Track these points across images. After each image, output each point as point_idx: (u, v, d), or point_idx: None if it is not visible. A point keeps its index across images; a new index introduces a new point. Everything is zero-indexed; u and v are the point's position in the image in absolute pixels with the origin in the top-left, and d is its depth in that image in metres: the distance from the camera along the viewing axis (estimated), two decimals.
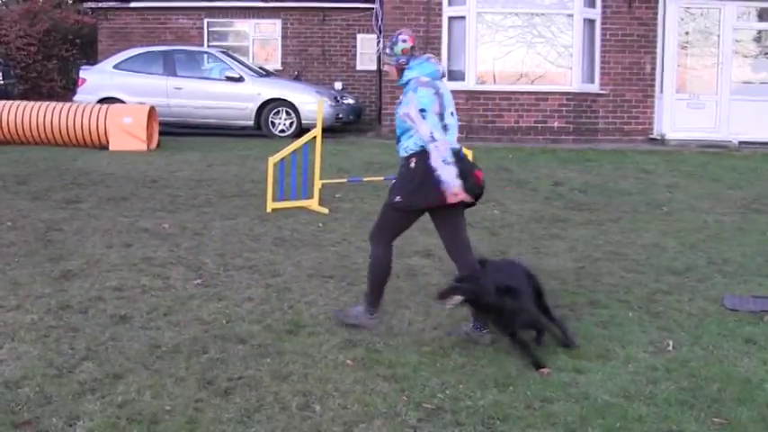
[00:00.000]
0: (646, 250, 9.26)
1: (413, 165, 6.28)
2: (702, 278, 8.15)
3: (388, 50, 6.52)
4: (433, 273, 8.08)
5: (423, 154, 6.20)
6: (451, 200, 6.13)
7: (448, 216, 6.38)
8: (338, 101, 21.15)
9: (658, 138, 19.82)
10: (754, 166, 16.18)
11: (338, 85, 24.06)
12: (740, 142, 19.29)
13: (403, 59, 6.44)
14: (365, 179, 12.52)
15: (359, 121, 22.36)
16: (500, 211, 11.11)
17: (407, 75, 6.42)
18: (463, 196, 6.15)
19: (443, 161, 6.06)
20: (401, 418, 4.92)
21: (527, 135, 19.49)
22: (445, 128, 6.29)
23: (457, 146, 6.36)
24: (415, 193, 6.25)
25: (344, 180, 12.50)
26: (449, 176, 6.05)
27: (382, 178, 12.34)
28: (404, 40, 6.44)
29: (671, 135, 19.66)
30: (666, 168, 15.48)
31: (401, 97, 6.47)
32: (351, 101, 22.14)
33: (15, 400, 5.06)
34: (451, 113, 6.40)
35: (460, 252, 6.47)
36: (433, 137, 6.09)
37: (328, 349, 5.99)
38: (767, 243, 9.80)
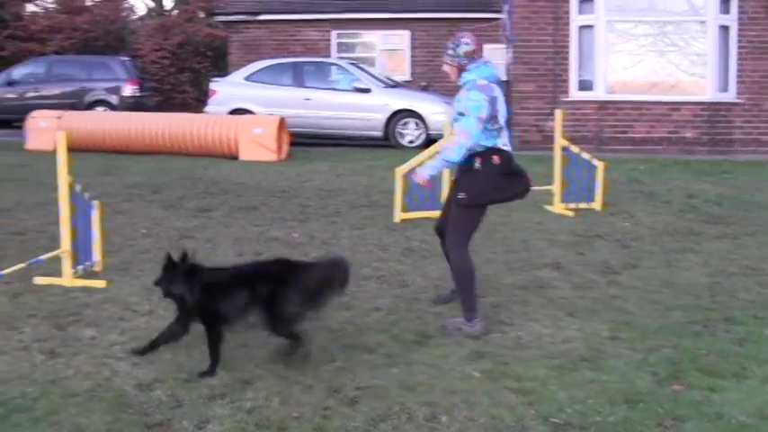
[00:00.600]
0: None
1: (477, 165, 6.62)
2: None
3: (450, 51, 6.78)
4: (562, 285, 7.97)
5: (486, 153, 6.62)
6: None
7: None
8: None
9: None
10: None
11: None
12: None
13: (464, 61, 6.73)
14: None
15: None
16: (631, 224, 10.91)
17: (466, 77, 6.71)
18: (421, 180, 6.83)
19: (441, 166, 6.81)
20: (529, 431, 4.86)
21: (659, 146, 19.13)
22: (499, 130, 6.65)
23: (508, 148, 6.80)
24: (486, 191, 6.71)
25: None
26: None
27: None
28: (467, 44, 6.77)
29: None
30: None
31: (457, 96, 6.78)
32: None
33: (148, 403, 5.19)
34: (504, 116, 6.70)
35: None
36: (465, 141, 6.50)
37: (456, 360, 5.96)
38: None
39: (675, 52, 19.71)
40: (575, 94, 19.56)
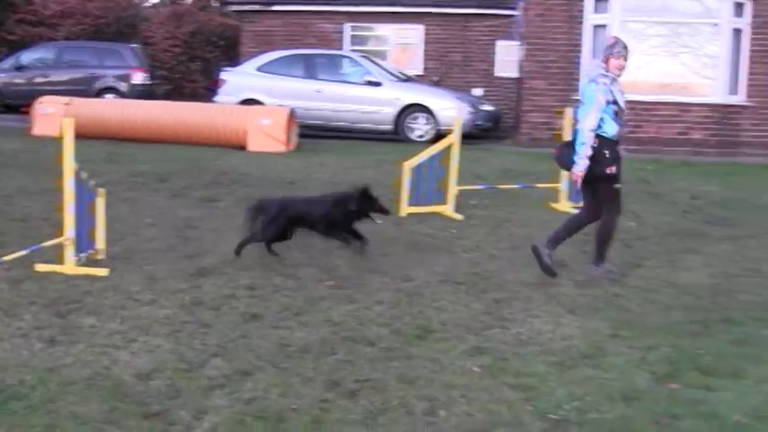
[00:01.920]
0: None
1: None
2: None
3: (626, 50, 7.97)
4: (565, 283, 7.99)
5: None
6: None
7: None
8: (476, 107, 21.14)
9: None
10: None
11: (478, 92, 24.07)
12: None
13: None
14: (500, 186, 12.48)
15: (496, 128, 22.31)
16: (636, 224, 10.93)
17: None
18: None
19: None
20: (526, 427, 4.89)
21: (667, 147, 19.12)
22: None
23: None
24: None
25: (480, 187, 12.47)
26: None
27: (518, 186, 12.30)
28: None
29: None
30: None
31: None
32: (489, 108, 22.10)
33: (146, 392, 5.21)
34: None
35: None
36: None
37: (456, 355, 5.99)
38: None
39: (687, 54, 19.72)
40: None
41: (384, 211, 8.64)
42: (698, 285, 8.16)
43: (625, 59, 7.96)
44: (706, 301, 7.65)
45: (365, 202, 8.48)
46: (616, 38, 8.23)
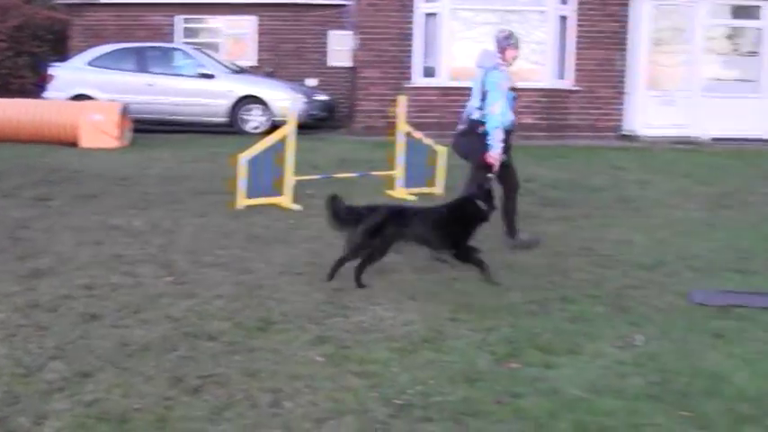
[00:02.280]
0: (615, 246, 9.31)
1: None
2: (671, 273, 8.21)
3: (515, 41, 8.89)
4: (404, 269, 8.07)
5: None
6: None
7: None
8: (311, 98, 21.14)
9: (630, 134, 19.91)
10: (724, 162, 16.28)
11: (312, 82, 24.07)
12: (711, 139, 19.40)
13: None
14: (336, 175, 12.51)
15: (331, 117, 22.35)
16: None
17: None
18: None
19: None
20: (371, 413, 4.93)
21: None
22: None
23: None
24: None
25: (316, 177, 12.47)
26: None
27: (354, 175, 12.35)
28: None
29: (642, 131, 19.77)
30: (637, 165, 15.57)
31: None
32: (323, 97, 22.13)
33: None
34: None
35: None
36: None
37: (298, 346, 5.99)
38: (735, 238, 9.88)
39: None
40: (418, 80, 19.79)
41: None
42: (534, 266, 8.37)
43: (518, 49, 8.94)
44: (542, 280, 7.85)
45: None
46: (510, 30, 9.22)
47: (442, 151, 12.16)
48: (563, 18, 19.95)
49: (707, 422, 4.92)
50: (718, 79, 20.98)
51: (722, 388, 5.41)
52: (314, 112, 20.89)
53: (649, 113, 19.94)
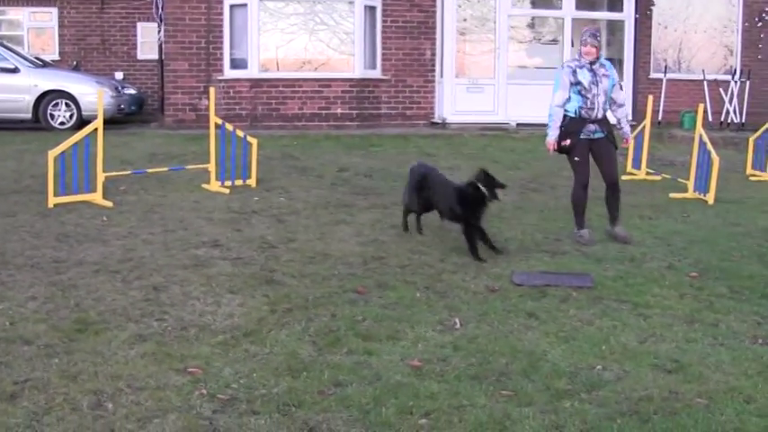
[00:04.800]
0: (430, 231, 9.48)
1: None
2: (486, 256, 8.42)
3: (596, 38, 9.16)
4: (221, 263, 8.03)
5: None
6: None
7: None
8: (119, 91, 20.70)
9: (440, 122, 20.28)
10: (531, 147, 16.76)
11: (119, 75, 23.57)
12: (518, 124, 19.95)
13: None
14: (149, 171, 12.33)
15: (141, 111, 21.96)
16: (286, 199, 11.15)
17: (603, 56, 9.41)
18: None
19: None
20: (196, 410, 4.89)
21: (311, 122, 19.57)
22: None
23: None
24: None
25: (129, 172, 12.26)
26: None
27: (167, 169, 12.18)
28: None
29: (452, 119, 20.15)
30: (448, 151, 15.88)
31: (606, 72, 9.25)
32: (132, 91, 21.71)
33: None
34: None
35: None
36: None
37: (118, 345, 5.88)
38: (545, 220, 10.24)
39: (325, 31, 20.22)
40: (228, 72, 19.65)
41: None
42: (350, 254, 8.45)
43: (591, 45, 9.10)
44: (359, 268, 7.94)
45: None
46: (586, 27, 9.53)
47: (255, 143, 12.13)
48: (371, 8, 20.13)
49: (527, 400, 5.09)
50: (523, 67, 21.62)
51: (540, 366, 5.61)
52: (123, 107, 20.47)
53: (458, 101, 20.35)
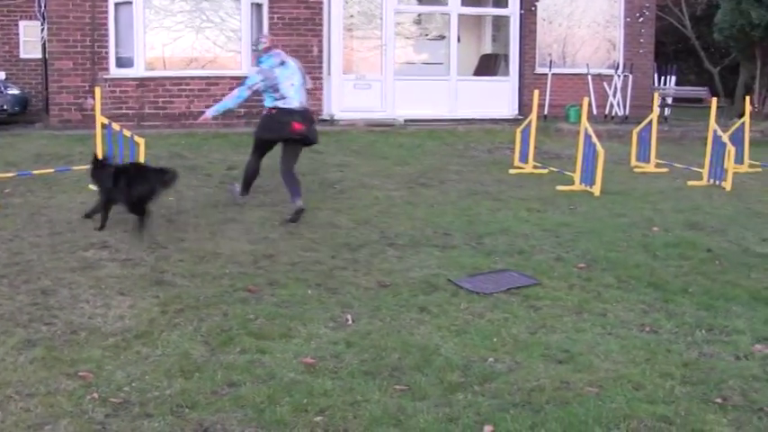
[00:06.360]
0: (321, 228, 9.53)
1: (263, 113, 10.51)
2: (376, 252, 8.51)
3: (253, 47, 10.66)
4: (110, 264, 7.95)
5: (268, 108, 10.38)
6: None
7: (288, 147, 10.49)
8: (1, 91, 20.27)
9: (328, 118, 20.30)
10: (419, 142, 16.93)
11: (1, 75, 23.05)
12: (405, 120, 20.09)
13: (260, 53, 10.57)
14: (35, 172, 12.11)
15: (25, 111, 21.51)
16: (176, 198, 11.06)
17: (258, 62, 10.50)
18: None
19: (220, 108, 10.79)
20: (88, 415, 4.84)
21: (198, 120, 19.37)
22: (281, 97, 10.24)
23: (286, 105, 10.25)
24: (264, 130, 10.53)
25: (13, 174, 12.02)
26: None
27: (53, 170, 11.98)
28: (263, 42, 10.69)
29: (339, 115, 20.18)
30: (337, 148, 15.91)
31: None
32: (16, 91, 21.26)
33: None
34: (291, 85, 10.29)
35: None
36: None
37: (6, 351, 5.78)
38: (434, 215, 10.36)
39: (212, 28, 20.07)
40: (114, 71, 19.36)
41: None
42: (240, 252, 8.45)
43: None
44: (250, 267, 7.95)
45: None
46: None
47: (142, 143, 12.00)
48: (257, 5, 20.04)
49: (421, 394, 5.17)
50: (410, 63, 21.79)
51: (432, 360, 5.70)
52: (6, 107, 20.04)
53: (346, 98, 20.39)
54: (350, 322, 6.47)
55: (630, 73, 21.94)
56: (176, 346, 5.92)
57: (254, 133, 10.83)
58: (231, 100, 10.60)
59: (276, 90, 10.24)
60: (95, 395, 5.08)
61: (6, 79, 22.52)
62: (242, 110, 19.45)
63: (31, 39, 23.71)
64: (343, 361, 5.67)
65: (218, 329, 6.23)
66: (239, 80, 19.51)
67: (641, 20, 23.08)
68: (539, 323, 6.55)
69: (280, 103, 10.27)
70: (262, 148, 10.73)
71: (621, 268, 8.11)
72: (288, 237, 9.14)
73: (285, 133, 10.27)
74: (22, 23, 24.02)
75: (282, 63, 10.41)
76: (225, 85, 19.42)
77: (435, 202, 11.22)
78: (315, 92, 20.27)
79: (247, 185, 10.85)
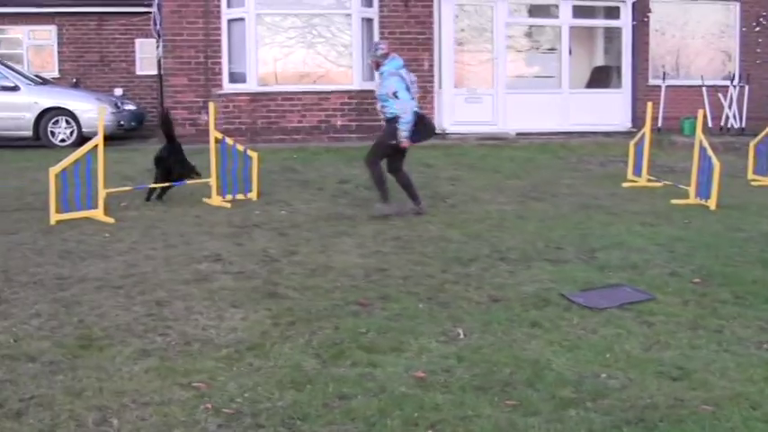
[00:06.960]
0: (432, 242, 9.50)
1: (407, 117, 10.74)
2: (487, 267, 8.43)
3: (370, 54, 11.61)
4: (223, 276, 8.04)
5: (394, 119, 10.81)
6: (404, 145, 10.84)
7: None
8: (119, 107, 20.76)
9: (439, 132, 20.27)
10: (531, 156, 16.81)
11: (118, 92, 23.61)
12: (517, 134, 19.97)
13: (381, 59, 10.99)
14: (151, 186, 12.34)
15: (141, 127, 22.00)
16: (288, 212, 11.16)
17: (382, 69, 10.99)
18: (407, 144, 10.90)
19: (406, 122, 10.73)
20: (201, 425, 4.88)
21: (310, 135, 19.58)
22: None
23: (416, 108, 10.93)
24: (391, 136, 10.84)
25: (130, 188, 12.28)
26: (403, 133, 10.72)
27: (169, 184, 12.19)
28: (382, 48, 11.16)
29: (451, 129, 20.15)
30: (448, 162, 15.89)
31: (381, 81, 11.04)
32: (132, 107, 21.76)
33: None
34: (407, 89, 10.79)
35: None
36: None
37: (122, 361, 5.88)
38: (546, 229, 10.24)
39: (323, 44, 20.27)
40: (227, 86, 19.67)
41: None
42: (352, 266, 8.45)
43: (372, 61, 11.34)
44: (361, 280, 7.94)
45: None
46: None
47: (256, 157, 12.15)
48: (368, 21, 20.16)
49: (532, 409, 5.09)
50: (520, 76, 21.67)
51: (544, 375, 5.61)
52: (123, 123, 20.53)
53: (457, 111, 20.37)
54: (461, 336, 6.41)
55: (747, 84, 21.44)
56: (288, 358, 5.94)
57: (386, 139, 11.03)
58: (407, 113, 10.80)
59: (408, 90, 10.79)
60: (208, 405, 5.12)
61: (123, 95, 23.05)
62: (353, 123, 19.62)
63: (147, 56, 24.28)
64: (454, 375, 5.62)
65: (329, 342, 6.23)
66: (350, 94, 19.82)
67: (758, 29, 22.56)
68: (652, 339, 6.41)
69: (412, 105, 10.88)
70: (388, 153, 11.10)
71: (738, 284, 7.90)
72: (399, 251, 9.13)
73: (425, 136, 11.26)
74: (138, 41, 24.61)
75: (404, 66, 10.96)
76: (336, 100, 19.61)
77: (547, 216, 11.10)
78: (426, 105, 20.29)
79: (385, 191, 11.05)
